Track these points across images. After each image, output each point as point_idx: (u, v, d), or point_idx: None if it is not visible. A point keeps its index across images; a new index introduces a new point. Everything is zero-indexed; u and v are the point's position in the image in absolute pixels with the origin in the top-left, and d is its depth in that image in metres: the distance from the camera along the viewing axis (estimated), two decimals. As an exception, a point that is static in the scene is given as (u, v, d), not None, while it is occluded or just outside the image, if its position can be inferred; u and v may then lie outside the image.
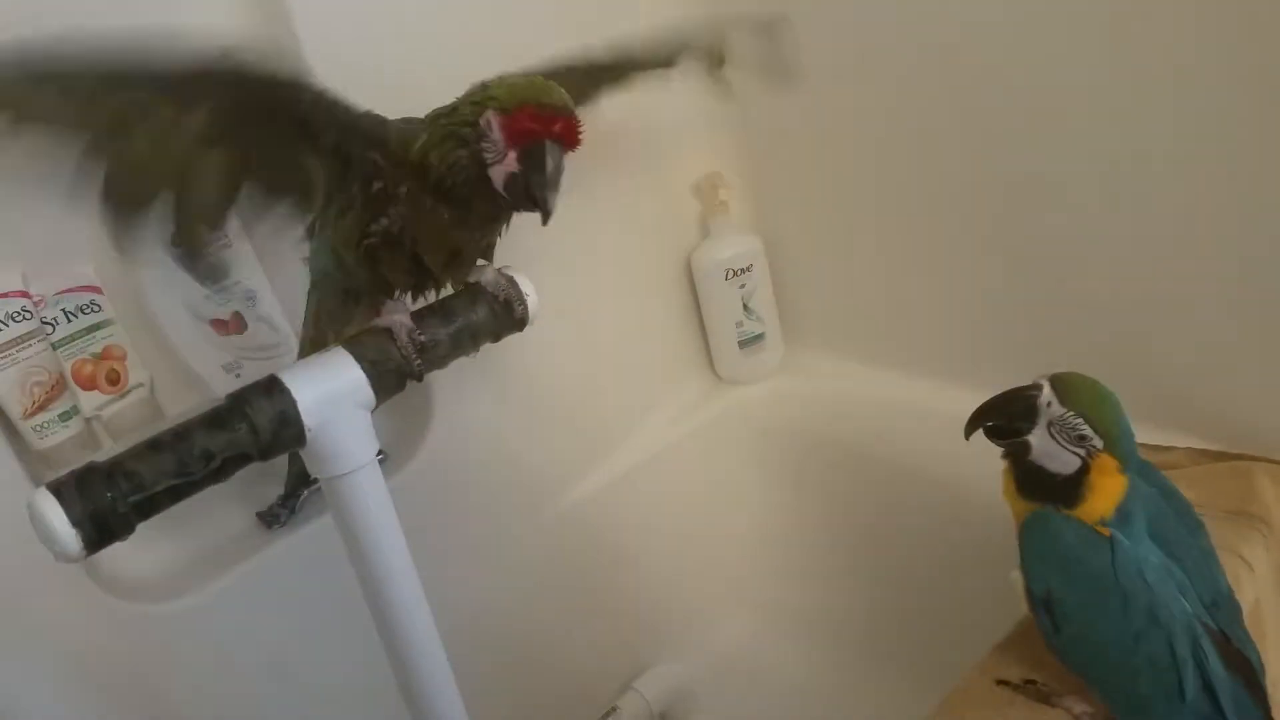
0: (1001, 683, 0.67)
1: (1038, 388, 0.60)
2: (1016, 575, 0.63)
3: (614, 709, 1.10)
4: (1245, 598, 0.64)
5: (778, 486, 1.19)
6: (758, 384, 1.19)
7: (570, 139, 0.59)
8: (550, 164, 0.58)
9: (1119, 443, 0.59)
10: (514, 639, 1.01)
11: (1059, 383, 0.60)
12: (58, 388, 0.76)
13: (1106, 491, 0.59)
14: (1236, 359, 0.82)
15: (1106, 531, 0.58)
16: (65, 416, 0.76)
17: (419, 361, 0.62)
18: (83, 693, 0.78)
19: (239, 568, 0.83)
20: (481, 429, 0.99)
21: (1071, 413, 0.59)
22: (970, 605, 0.83)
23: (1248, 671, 0.58)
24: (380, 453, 0.62)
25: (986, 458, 0.82)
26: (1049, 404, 0.59)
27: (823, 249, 1.12)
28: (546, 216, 0.60)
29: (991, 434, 0.63)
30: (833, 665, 1.12)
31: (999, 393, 0.62)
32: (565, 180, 0.60)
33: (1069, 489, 0.60)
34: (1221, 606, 0.60)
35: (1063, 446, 0.59)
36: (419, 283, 0.67)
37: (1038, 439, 0.60)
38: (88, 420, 0.79)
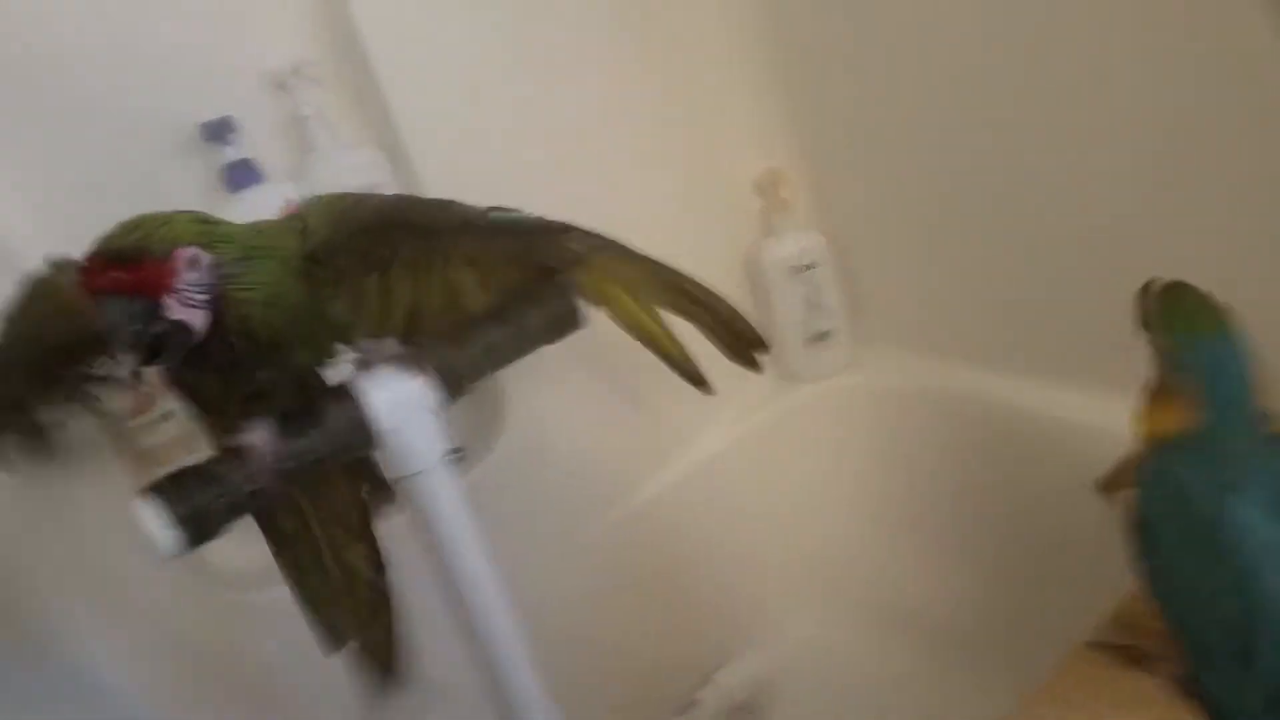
0: (1094, 644, 0.67)
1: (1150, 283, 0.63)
2: (1130, 493, 0.63)
3: (694, 701, 1.12)
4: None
5: (851, 479, 1.18)
6: (826, 380, 1.18)
7: (122, 287, 0.46)
8: (106, 320, 0.47)
9: (1180, 359, 0.59)
10: (591, 634, 1.03)
11: (1167, 283, 0.62)
12: (159, 389, 0.81)
13: (1156, 419, 0.60)
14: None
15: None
16: (166, 417, 0.82)
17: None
18: (180, 669, 0.84)
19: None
20: (553, 427, 1.02)
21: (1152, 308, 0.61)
22: (1055, 598, 0.81)
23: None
24: (458, 449, 0.64)
25: (1066, 449, 0.80)
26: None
27: (889, 243, 1.11)
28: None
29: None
30: (911, 655, 1.11)
31: None
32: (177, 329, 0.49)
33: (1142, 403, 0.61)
34: None
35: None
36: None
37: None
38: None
